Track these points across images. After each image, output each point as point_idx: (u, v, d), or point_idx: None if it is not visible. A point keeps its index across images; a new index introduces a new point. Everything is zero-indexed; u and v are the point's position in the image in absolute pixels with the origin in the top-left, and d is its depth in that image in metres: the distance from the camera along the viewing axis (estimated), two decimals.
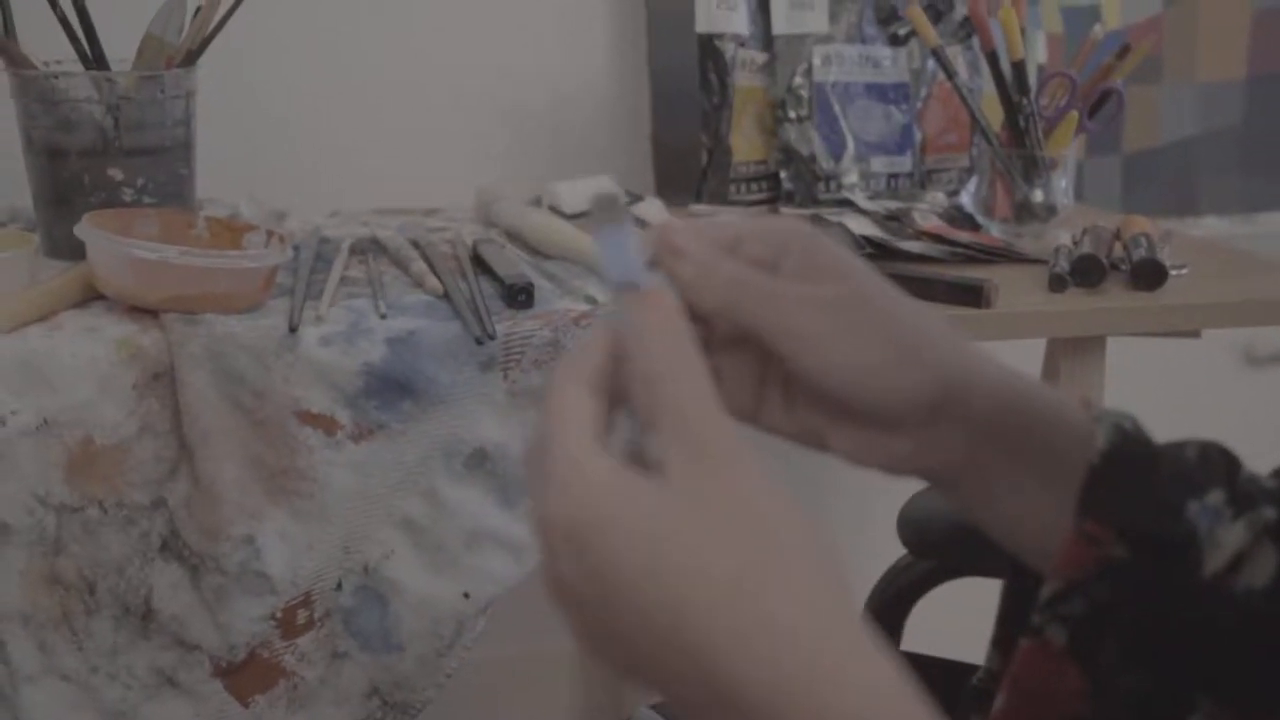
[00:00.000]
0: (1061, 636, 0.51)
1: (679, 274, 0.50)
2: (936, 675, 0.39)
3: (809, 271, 0.52)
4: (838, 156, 1.37)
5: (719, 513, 0.40)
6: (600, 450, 0.41)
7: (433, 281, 1.04)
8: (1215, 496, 0.51)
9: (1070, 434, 0.53)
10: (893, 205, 1.35)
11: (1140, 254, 1.15)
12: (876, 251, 1.21)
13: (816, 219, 1.30)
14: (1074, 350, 1.19)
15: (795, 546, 0.40)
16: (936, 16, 1.43)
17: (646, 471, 0.41)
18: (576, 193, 1.29)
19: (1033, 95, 1.28)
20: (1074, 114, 1.27)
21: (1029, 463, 0.53)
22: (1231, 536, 0.50)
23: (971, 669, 0.59)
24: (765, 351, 0.53)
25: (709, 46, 1.36)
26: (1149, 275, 1.13)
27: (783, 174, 1.37)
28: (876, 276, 0.53)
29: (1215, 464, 0.53)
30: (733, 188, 1.37)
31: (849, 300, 0.51)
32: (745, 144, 1.38)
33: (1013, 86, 1.28)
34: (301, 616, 0.95)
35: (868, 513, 1.13)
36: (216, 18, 1.07)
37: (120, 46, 1.08)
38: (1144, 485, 0.51)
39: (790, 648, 0.38)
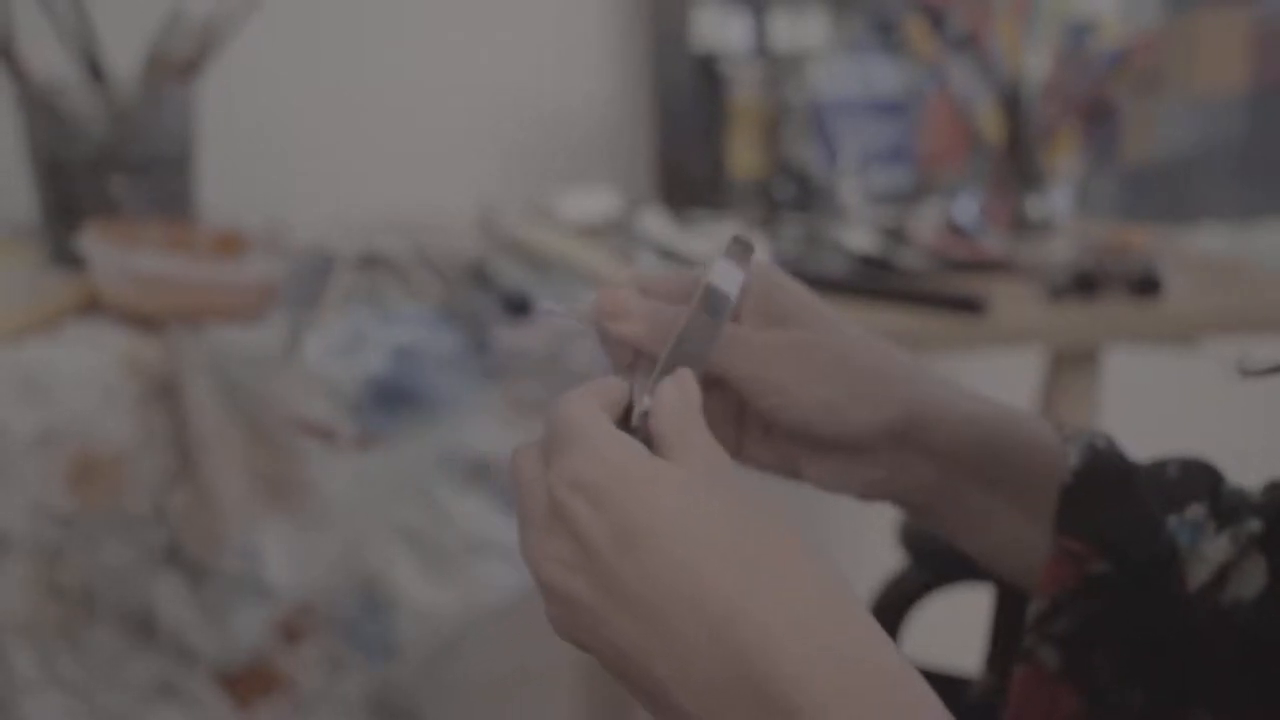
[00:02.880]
0: (1053, 658, 0.51)
1: (625, 334, 0.51)
2: (938, 690, 0.39)
3: (770, 312, 0.53)
4: (836, 169, 1.38)
5: (736, 500, 0.41)
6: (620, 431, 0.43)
7: (434, 292, 1.04)
8: (1195, 511, 0.52)
9: (1044, 457, 0.54)
10: (891, 217, 1.35)
11: (1137, 265, 1.16)
12: (874, 264, 1.22)
13: (808, 239, 1.31)
14: (1071, 361, 1.19)
15: (799, 544, 0.41)
16: (935, 29, 1.44)
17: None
18: (578, 205, 1.30)
19: (1031, 107, 1.29)
20: (1072, 126, 1.28)
21: (1002, 487, 0.54)
22: (1215, 550, 0.51)
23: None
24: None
25: (708, 61, 1.37)
26: (1145, 285, 1.13)
27: (781, 187, 1.38)
28: (834, 315, 0.54)
29: (1196, 479, 0.53)
30: (732, 200, 1.38)
31: (808, 345, 0.53)
32: (744, 158, 1.38)
33: (1011, 99, 1.28)
34: (302, 625, 0.95)
35: (868, 520, 1.14)
36: (220, 32, 1.08)
37: (124, 60, 1.08)
38: (1119, 501, 0.52)
39: (811, 628, 0.39)
